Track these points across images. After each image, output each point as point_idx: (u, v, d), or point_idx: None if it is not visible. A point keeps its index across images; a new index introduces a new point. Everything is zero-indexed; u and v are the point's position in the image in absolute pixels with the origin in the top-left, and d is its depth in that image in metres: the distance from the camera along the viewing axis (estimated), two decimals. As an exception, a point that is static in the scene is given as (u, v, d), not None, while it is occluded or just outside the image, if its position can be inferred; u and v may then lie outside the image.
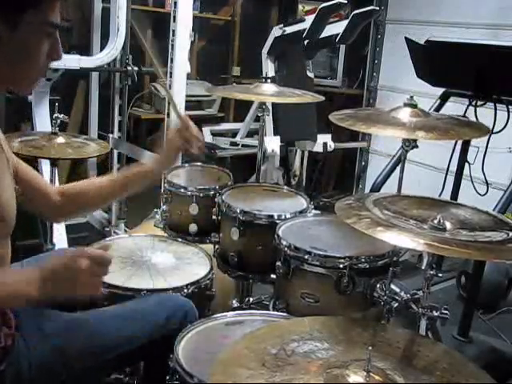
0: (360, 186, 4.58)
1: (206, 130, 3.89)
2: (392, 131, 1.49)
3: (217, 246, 1.95)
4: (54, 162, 2.24)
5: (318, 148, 3.63)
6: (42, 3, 1.00)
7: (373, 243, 1.40)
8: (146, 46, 3.32)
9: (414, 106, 1.59)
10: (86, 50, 3.25)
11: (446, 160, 2.47)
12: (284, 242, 1.55)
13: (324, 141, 3.61)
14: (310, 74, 3.81)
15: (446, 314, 1.28)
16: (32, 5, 0.99)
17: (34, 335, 1.20)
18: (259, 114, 2.16)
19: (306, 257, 1.49)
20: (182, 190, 2.01)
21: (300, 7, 4.27)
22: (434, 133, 1.47)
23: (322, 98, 2.12)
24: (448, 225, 1.20)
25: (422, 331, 1.28)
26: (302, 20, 3.43)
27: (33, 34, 1.02)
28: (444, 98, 2.44)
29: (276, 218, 1.77)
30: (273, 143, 3.32)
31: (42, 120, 2.85)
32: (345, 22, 3.30)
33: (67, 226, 2.78)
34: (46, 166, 2.40)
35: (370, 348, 0.92)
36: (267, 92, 2.07)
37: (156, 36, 3.80)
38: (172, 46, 2.80)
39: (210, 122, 3.98)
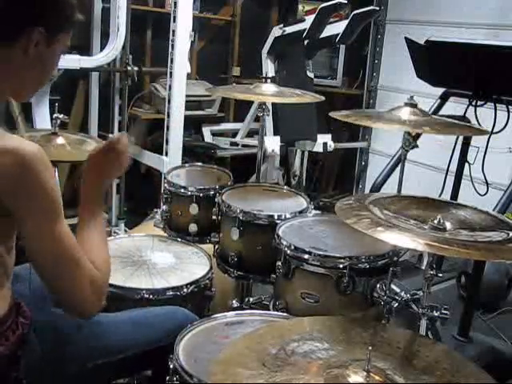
0: (360, 186, 4.58)
1: (206, 130, 3.89)
2: (396, 126, 1.50)
3: (217, 246, 1.95)
4: (53, 163, 2.23)
5: (318, 148, 3.63)
6: (69, 30, 1.17)
7: (373, 243, 1.40)
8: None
9: (414, 106, 1.59)
10: (86, 50, 3.25)
11: (446, 160, 2.47)
12: (284, 242, 1.55)
13: (324, 141, 3.61)
14: (310, 74, 3.82)
15: (446, 313, 1.28)
16: (65, 29, 1.15)
17: (46, 332, 1.24)
18: (259, 114, 2.16)
19: (306, 257, 1.48)
20: (182, 190, 2.01)
21: (300, 7, 4.27)
22: (436, 128, 1.48)
23: (322, 98, 2.12)
24: (448, 225, 1.21)
25: (422, 331, 1.28)
26: (302, 20, 3.43)
27: (57, 53, 1.17)
28: (444, 98, 2.44)
29: (276, 218, 1.77)
30: (273, 143, 3.32)
31: (42, 120, 2.85)
32: (345, 22, 3.30)
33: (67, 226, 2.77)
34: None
35: (370, 348, 0.92)
36: (267, 92, 2.07)
37: (156, 36, 3.80)
38: (172, 45, 2.80)
39: (210, 122, 3.98)
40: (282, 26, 3.53)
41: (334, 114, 1.62)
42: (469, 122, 2.30)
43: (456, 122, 1.66)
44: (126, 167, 1.34)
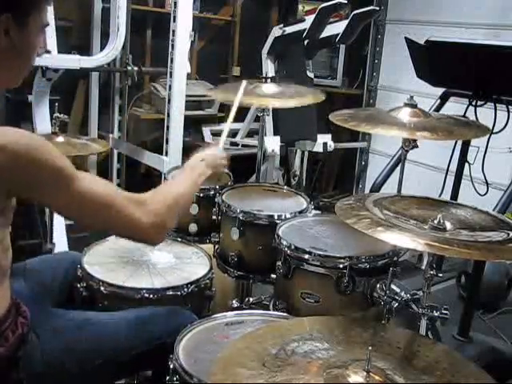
0: (360, 186, 4.58)
1: (206, 130, 3.89)
2: (396, 132, 1.50)
3: (217, 246, 1.95)
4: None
5: (318, 148, 3.62)
6: (42, 6, 1.15)
7: (373, 243, 1.40)
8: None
9: (414, 106, 1.59)
10: (86, 50, 3.25)
11: (446, 160, 2.47)
12: (284, 242, 1.55)
13: (324, 141, 3.61)
14: (310, 74, 3.81)
15: (446, 313, 1.28)
16: (36, 8, 1.13)
17: (46, 332, 1.24)
18: (259, 114, 2.16)
19: (306, 257, 1.49)
20: (182, 190, 2.00)
21: (300, 7, 4.27)
22: (437, 133, 1.47)
23: (323, 98, 2.11)
24: (448, 225, 1.20)
25: (422, 331, 1.28)
26: (302, 20, 3.43)
27: (33, 34, 1.14)
28: (444, 98, 2.44)
29: (276, 218, 1.77)
30: (273, 143, 3.32)
31: (42, 120, 2.85)
32: (345, 22, 3.30)
33: (67, 226, 2.77)
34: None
35: (370, 348, 0.92)
36: (267, 92, 2.06)
37: (156, 36, 3.80)
38: (172, 45, 2.80)
39: (210, 122, 3.98)
40: (282, 25, 3.53)
41: (333, 117, 1.62)
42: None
43: (458, 118, 1.66)
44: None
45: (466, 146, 2.40)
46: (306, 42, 3.55)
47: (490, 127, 2.11)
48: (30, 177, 1.06)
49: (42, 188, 1.09)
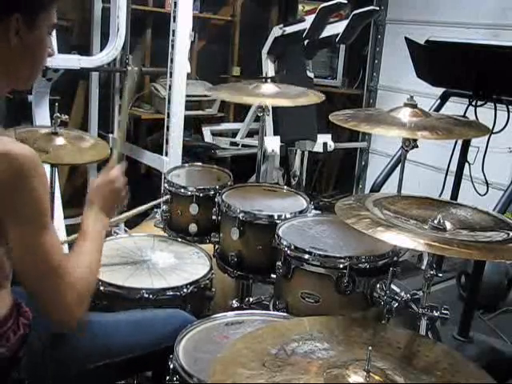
0: (360, 186, 4.58)
1: (206, 130, 3.89)
2: (396, 132, 1.50)
3: (217, 246, 1.95)
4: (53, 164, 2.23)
5: (318, 148, 3.62)
6: (51, 6, 1.14)
7: (373, 243, 1.40)
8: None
9: (414, 106, 1.59)
10: (86, 50, 3.25)
11: (446, 160, 2.47)
12: (284, 242, 1.55)
13: (324, 141, 3.61)
14: (310, 74, 3.82)
15: (446, 314, 1.28)
16: (45, 7, 1.13)
17: (47, 333, 1.23)
18: (259, 114, 2.16)
19: (306, 257, 1.49)
20: (182, 190, 2.01)
21: (300, 7, 4.27)
22: (437, 133, 1.47)
23: (323, 97, 2.11)
24: (448, 225, 1.20)
25: (422, 331, 1.28)
26: (302, 20, 3.43)
27: (43, 34, 1.14)
28: (444, 98, 2.44)
29: (276, 218, 1.77)
30: (273, 143, 3.32)
31: (42, 120, 2.85)
32: (345, 22, 3.30)
33: (67, 226, 2.78)
34: (46, 166, 2.40)
35: (370, 348, 0.92)
36: (267, 92, 2.06)
37: (156, 36, 3.80)
38: (172, 45, 2.80)
39: (210, 121, 3.98)
40: (281, 26, 3.53)
41: (333, 117, 1.62)
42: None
43: (458, 118, 1.66)
44: (125, 198, 1.43)
45: (466, 146, 2.41)
46: (306, 42, 3.56)
47: (490, 127, 2.11)
48: (14, 194, 1.00)
49: (15, 213, 1.02)
